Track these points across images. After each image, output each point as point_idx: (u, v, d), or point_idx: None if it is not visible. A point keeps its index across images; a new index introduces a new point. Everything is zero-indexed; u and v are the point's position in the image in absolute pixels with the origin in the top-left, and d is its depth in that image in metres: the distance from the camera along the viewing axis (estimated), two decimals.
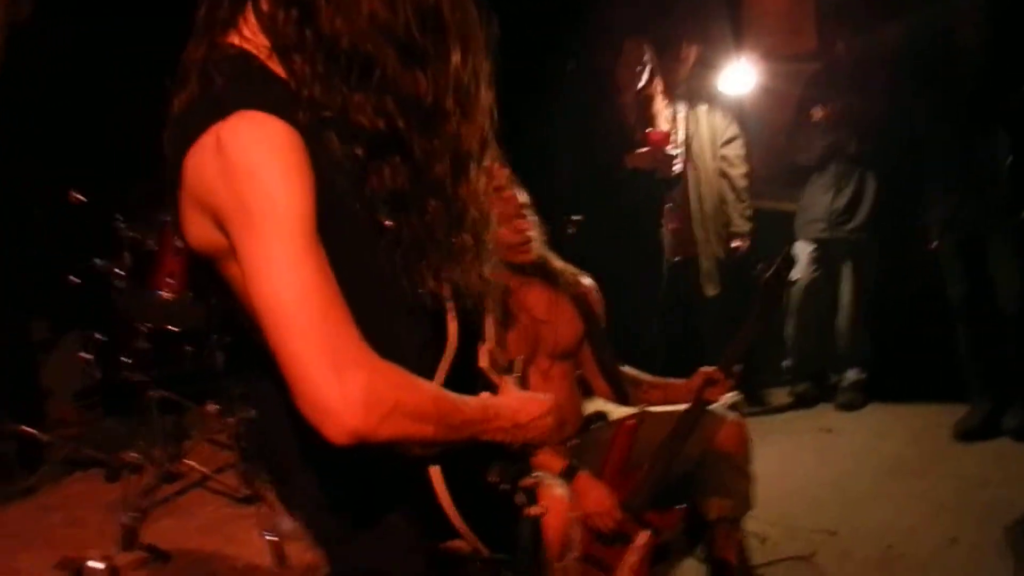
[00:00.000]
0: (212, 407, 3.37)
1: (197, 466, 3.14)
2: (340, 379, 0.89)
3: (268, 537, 2.68)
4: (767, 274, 2.26)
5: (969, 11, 3.48)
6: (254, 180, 0.91)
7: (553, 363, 2.35)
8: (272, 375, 0.94)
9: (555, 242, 3.84)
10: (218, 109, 0.93)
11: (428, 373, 1.09)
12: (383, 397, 0.92)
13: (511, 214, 2.20)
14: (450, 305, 1.19)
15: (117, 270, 3.14)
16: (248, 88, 0.97)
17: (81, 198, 3.12)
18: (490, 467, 1.18)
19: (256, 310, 0.92)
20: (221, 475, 3.19)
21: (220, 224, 0.94)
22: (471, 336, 1.24)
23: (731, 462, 2.30)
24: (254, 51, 1.01)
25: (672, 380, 2.40)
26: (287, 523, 2.61)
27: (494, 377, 1.23)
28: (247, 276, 0.92)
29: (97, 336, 3.29)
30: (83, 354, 3.32)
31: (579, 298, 2.40)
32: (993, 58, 3.36)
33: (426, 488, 1.07)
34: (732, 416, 2.40)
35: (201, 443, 3.45)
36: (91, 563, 2.56)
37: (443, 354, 1.16)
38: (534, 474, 1.27)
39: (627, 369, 2.47)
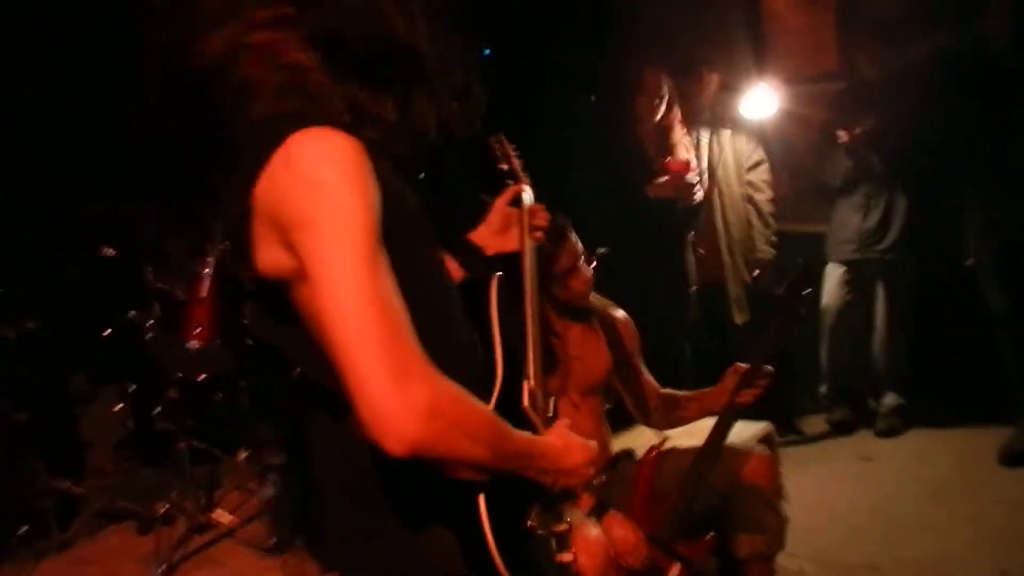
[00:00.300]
0: (243, 454, 3.39)
1: (224, 518, 3.14)
2: (403, 389, 0.90)
3: None
4: (782, 289, 2.23)
5: (999, 17, 3.40)
6: (321, 191, 0.93)
7: (583, 398, 2.34)
8: (324, 403, 0.96)
9: None
10: (287, 128, 0.96)
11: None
12: (444, 411, 0.93)
13: (574, 262, 2.26)
14: (498, 338, 1.23)
15: (148, 321, 3.20)
16: (312, 105, 1.01)
17: (112, 252, 3.18)
18: (529, 509, 1.17)
19: (321, 322, 0.93)
20: (250, 525, 3.19)
21: (290, 243, 0.96)
22: (515, 372, 1.25)
23: (761, 497, 2.24)
24: (306, 63, 1.04)
25: (704, 390, 2.35)
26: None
27: (534, 417, 1.23)
28: (314, 287, 0.93)
29: (131, 387, 3.33)
30: (117, 405, 3.35)
31: (609, 331, 2.40)
32: None
33: (472, 519, 1.06)
34: (760, 449, 2.35)
35: (232, 492, 3.46)
36: None
37: (493, 385, 1.18)
38: (568, 516, 1.27)
39: (667, 393, 2.44)
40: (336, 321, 0.92)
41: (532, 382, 1.28)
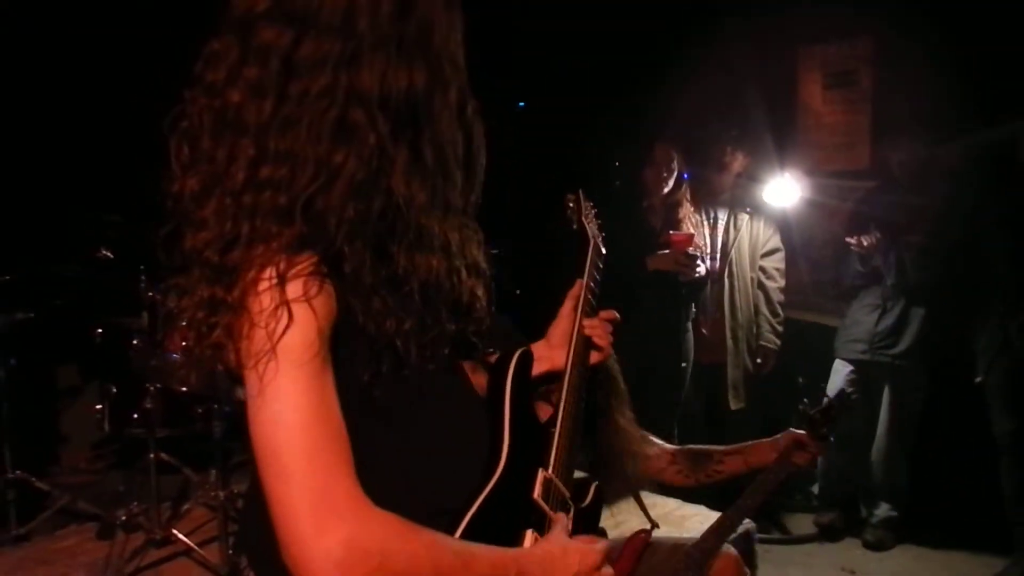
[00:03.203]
0: (213, 474, 3.34)
1: (182, 537, 3.08)
2: (320, 532, 0.85)
3: None
4: (815, 411, 2.13)
5: None
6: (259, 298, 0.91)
7: None
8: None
9: None
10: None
11: (473, 493, 1.07)
12: (366, 553, 0.87)
13: None
14: (507, 422, 1.16)
15: (136, 328, 3.19)
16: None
17: (109, 255, 3.20)
18: None
19: (251, 435, 0.90)
20: (208, 547, 3.12)
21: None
22: (528, 458, 1.18)
23: None
24: None
25: (752, 443, 2.23)
26: None
27: (544, 508, 1.15)
28: (246, 400, 0.91)
29: (112, 389, 3.32)
30: (97, 406, 3.33)
31: None
32: None
33: None
34: (727, 549, 2.25)
35: (197, 509, 3.41)
36: None
37: (493, 473, 1.11)
38: None
39: (691, 448, 2.34)
40: (261, 446, 0.89)
41: (551, 471, 1.20)
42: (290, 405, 0.88)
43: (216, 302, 0.95)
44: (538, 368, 1.45)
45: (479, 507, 1.08)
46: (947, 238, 3.53)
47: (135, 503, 3.20)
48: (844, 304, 3.98)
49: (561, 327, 1.53)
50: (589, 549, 1.11)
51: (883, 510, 3.77)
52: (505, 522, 1.10)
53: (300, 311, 0.90)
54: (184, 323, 0.99)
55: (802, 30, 4.42)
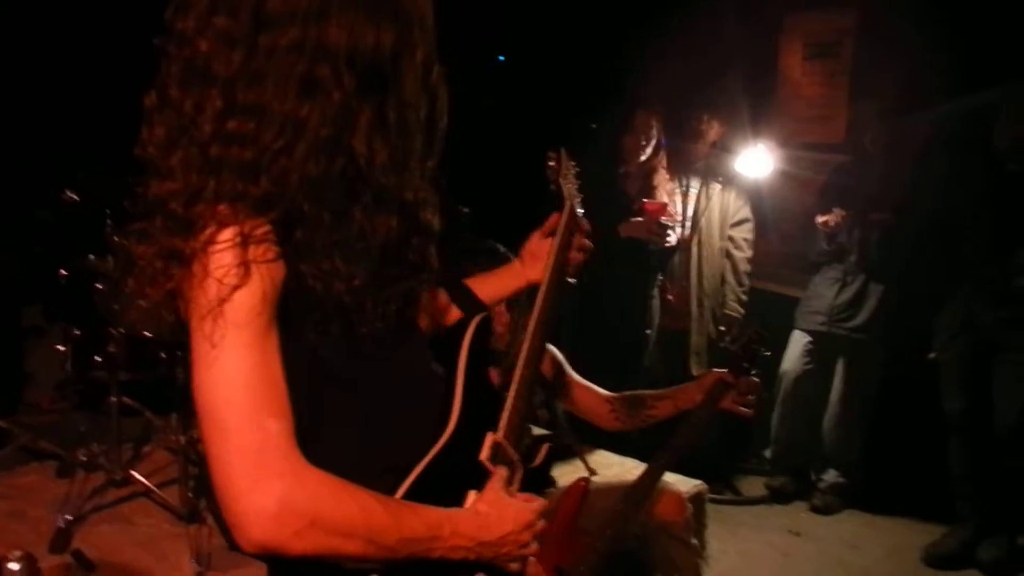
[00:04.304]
0: (174, 417, 3.37)
1: (142, 479, 3.12)
2: (255, 488, 0.89)
3: (194, 566, 2.64)
4: (737, 345, 2.22)
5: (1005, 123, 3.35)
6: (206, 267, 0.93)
7: None
8: None
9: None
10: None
11: (421, 454, 1.10)
12: (299, 510, 0.90)
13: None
14: (460, 387, 1.19)
15: (102, 271, 3.18)
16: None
17: (75, 197, 3.16)
18: None
19: (193, 391, 0.92)
20: (168, 489, 3.16)
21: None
22: (479, 421, 1.21)
23: (671, 533, 2.23)
24: None
25: (680, 386, 2.30)
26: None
27: (492, 470, 1.17)
28: (191, 353, 0.93)
29: (75, 331, 3.32)
30: (59, 347, 3.33)
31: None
32: None
33: None
34: (667, 486, 2.31)
35: (158, 451, 3.44)
36: (11, 564, 2.54)
37: (439, 436, 1.14)
38: None
39: (626, 393, 2.41)
40: (202, 404, 0.91)
41: (500, 433, 1.21)
42: (232, 363, 0.91)
43: (175, 253, 0.96)
44: (514, 285, 1.54)
45: (425, 467, 1.10)
46: (914, 216, 3.58)
47: (96, 444, 3.23)
48: (809, 276, 4.04)
49: (532, 245, 1.58)
50: (524, 507, 1.13)
51: (832, 476, 3.88)
52: (452, 483, 1.13)
53: (253, 272, 0.92)
54: (141, 270, 1.00)
55: None
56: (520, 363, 1.36)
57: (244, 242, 0.92)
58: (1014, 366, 3.30)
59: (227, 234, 0.93)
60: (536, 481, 1.36)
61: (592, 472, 2.30)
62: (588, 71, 4.65)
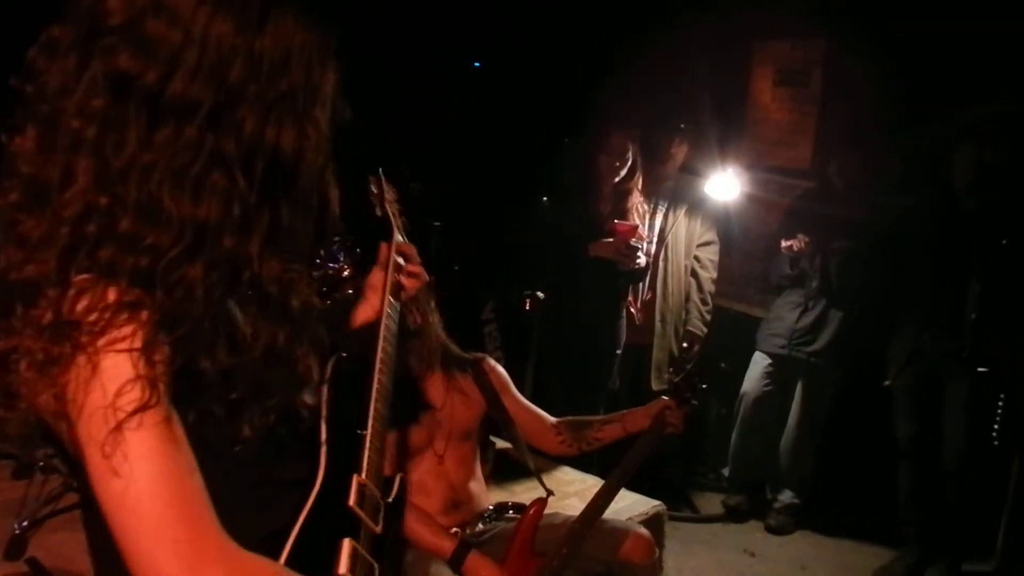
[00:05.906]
0: None
1: None
2: None
3: None
4: (678, 377, 2.42)
5: (962, 163, 3.45)
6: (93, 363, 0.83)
7: (448, 445, 2.37)
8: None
9: (513, 314, 3.86)
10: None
11: (295, 515, 1.06)
12: None
13: (423, 322, 2.28)
14: (323, 434, 1.15)
15: None
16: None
17: None
18: None
19: (99, 501, 0.84)
20: None
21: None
22: (346, 467, 1.18)
23: (638, 574, 2.28)
24: None
25: (628, 411, 2.43)
26: None
27: (360, 515, 1.15)
28: (86, 464, 0.84)
29: None
30: None
31: (480, 379, 2.42)
32: (981, 208, 3.35)
33: None
34: (638, 528, 2.37)
35: None
36: None
37: (309, 494, 1.10)
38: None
39: (571, 419, 2.50)
40: (117, 508, 0.83)
41: (363, 475, 1.19)
42: (145, 462, 0.84)
43: (49, 358, 0.84)
44: (360, 318, 1.46)
45: (301, 525, 1.08)
46: (871, 246, 3.68)
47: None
48: (771, 298, 4.13)
49: (372, 278, 1.50)
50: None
51: (787, 496, 3.98)
52: (329, 534, 1.11)
53: (143, 368, 0.84)
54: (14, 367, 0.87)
55: (759, 25, 4.47)
56: (372, 399, 1.32)
57: (135, 344, 0.84)
58: (960, 397, 3.42)
59: (117, 334, 0.83)
60: (395, 515, 1.33)
61: (549, 493, 2.34)
62: (561, 85, 4.68)
